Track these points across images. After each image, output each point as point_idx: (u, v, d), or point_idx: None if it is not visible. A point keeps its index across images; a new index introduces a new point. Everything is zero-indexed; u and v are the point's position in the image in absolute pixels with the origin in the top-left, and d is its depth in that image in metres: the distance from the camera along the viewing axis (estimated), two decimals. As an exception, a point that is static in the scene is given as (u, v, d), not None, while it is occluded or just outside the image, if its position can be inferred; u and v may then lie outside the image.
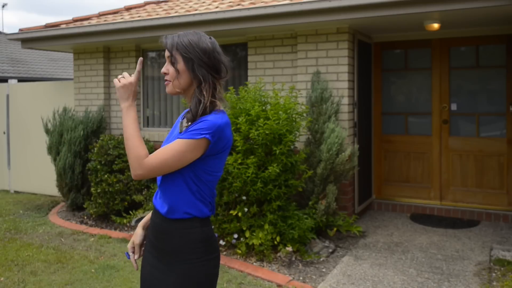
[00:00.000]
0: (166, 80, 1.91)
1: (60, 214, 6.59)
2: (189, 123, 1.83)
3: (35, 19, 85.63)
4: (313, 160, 5.13)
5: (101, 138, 6.23)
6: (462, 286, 3.97)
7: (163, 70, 1.90)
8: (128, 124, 1.84)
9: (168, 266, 1.86)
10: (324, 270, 4.40)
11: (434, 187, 6.31)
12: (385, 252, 4.80)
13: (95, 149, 6.11)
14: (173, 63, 1.87)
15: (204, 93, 1.84)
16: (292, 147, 4.86)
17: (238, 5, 5.72)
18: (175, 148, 1.79)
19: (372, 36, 6.37)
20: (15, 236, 5.60)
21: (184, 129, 1.83)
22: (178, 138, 1.81)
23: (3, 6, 22.83)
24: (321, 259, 4.62)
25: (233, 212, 4.64)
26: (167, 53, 1.90)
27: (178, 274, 1.84)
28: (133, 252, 2.05)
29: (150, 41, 6.60)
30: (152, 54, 7.05)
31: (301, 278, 4.23)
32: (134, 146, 1.79)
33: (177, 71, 1.87)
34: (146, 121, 7.03)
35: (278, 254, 4.63)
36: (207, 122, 1.79)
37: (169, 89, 1.91)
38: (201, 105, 1.82)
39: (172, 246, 1.86)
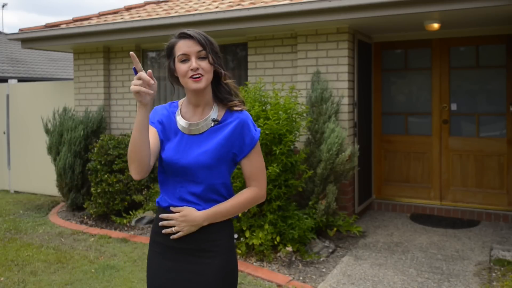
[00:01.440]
0: (197, 75, 1.85)
1: (60, 214, 6.59)
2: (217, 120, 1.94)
3: (35, 19, 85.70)
4: (313, 160, 5.13)
5: (101, 138, 6.23)
6: (462, 286, 3.97)
7: (195, 65, 1.84)
8: None
9: (205, 263, 1.90)
10: (324, 270, 4.40)
11: (434, 187, 6.30)
12: (385, 252, 4.80)
13: (95, 149, 6.10)
14: (206, 58, 1.86)
15: (232, 84, 1.97)
16: (292, 147, 4.86)
17: (238, 5, 5.72)
18: (261, 155, 2.01)
19: (372, 36, 6.37)
20: (15, 236, 5.60)
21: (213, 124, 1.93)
22: (253, 148, 1.95)
23: (3, 6, 22.83)
24: (321, 259, 4.62)
25: (233, 212, 4.64)
26: (197, 48, 1.85)
27: (218, 268, 1.90)
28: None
29: (150, 41, 6.60)
30: (152, 54, 7.05)
31: (301, 278, 4.23)
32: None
33: (210, 64, 1.87)
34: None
35: (278, 254, 4.63)
36: (248, 116, 1.97)
37: (202, 84, 1.86)
38: (235, 95, 1.97)
39: (211, 242, 1.91)
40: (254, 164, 1.96)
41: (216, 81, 1.95)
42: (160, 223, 1.92)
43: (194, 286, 1.88)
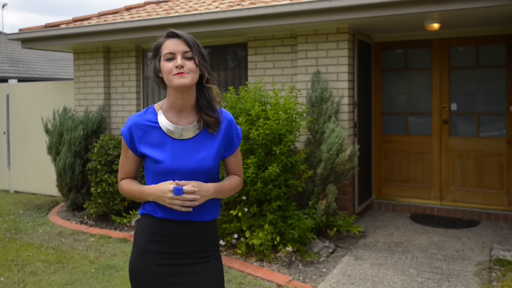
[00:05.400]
0: (182, 72, 1.83)
1: (60, 214, 6.59)
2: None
3: (36, 19, 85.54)
4: (313, 160, 5.13)
5: (101, 138, 6.23)
6: (462, 286, 3.97)
7: (180, 62, 1.83)
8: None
9: (204, 264, 1.92)
10: (324, 270, 4.40)
11: (434, 187, 6.30)
12: (385, 252, 4.80)
13: (95, 149, 6.11)
14: (192, 58, 1.86)
15: (215, 90, 1.95)
16: (292, 147, 4.86)
17: (238, 5, 5.72)
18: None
19: (372, 36, 6.37)
20: (15, 236, 5.60)
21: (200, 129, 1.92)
22: (237, 145, 2.02)
23: (3, 6, 22.79)
24: (321, 259, 4.62)
25: (233, 212, 4.64)
26: (184, 48, 1.86)
27: (216, 268, 1.96)
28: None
29: (150, 41, 6.55)
30: (152, 54, 7.04)
31: (301, 278, 4.23)
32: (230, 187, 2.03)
33: (196, 65, 1.87)
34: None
35: (278, 254, 4.63)
36: (230, 114, 2.01)
37: (187, 79, 1.84)
38: (217, 100, 1.96)
39: (207, 244, 1.95)
40: (238, 160, 2.06)
41: (199, 87, 1.93)
42: (178, 202, 1.82)
43: (198, 286, 1.90)
